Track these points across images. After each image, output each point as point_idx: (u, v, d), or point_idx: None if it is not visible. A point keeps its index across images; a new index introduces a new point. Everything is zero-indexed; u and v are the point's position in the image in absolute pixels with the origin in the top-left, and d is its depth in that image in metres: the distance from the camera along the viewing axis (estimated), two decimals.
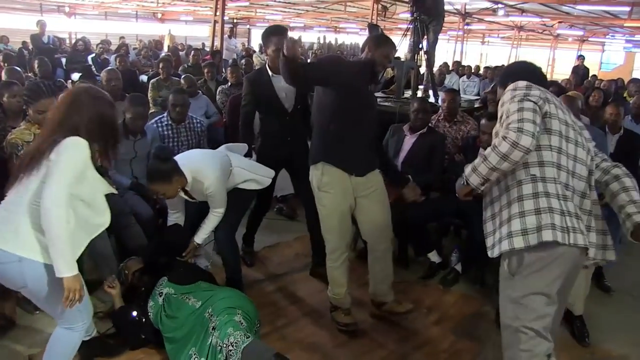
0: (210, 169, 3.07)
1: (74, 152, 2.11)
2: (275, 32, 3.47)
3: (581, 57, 13.41)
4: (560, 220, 1.97)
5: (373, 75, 3.01)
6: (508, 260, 2.10)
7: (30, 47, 10.83)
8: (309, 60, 12.23)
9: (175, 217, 3.32)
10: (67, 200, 2.05)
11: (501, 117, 2.09)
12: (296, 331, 3.14)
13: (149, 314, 2.86)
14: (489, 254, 2.13)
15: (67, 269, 2.05)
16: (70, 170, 2.08)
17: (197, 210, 3.31)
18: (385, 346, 3.05)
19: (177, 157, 3.09)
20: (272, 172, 3.50)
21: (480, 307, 3.52)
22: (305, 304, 3.46)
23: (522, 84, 2.12)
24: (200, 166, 3.06)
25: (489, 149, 2.02)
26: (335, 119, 2.90)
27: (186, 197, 3.18)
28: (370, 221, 3.12)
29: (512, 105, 2.03)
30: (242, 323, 2.56)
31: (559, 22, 17.86)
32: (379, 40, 3.01)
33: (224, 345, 2.45)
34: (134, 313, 2.88)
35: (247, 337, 2.47)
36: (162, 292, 2.90)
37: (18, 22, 16.99)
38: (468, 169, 2.13)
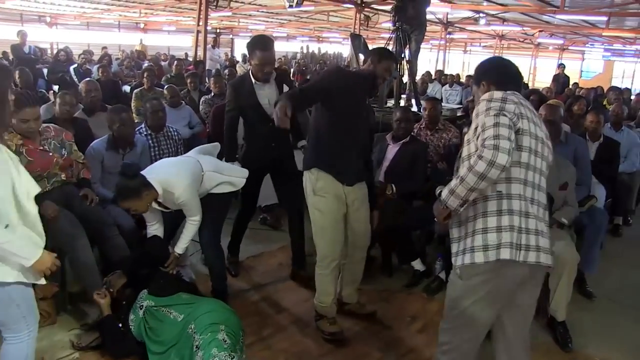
0: (180, 178, 3.04)
1: None
2: (260, 47, 3.44)
3: (562, 66, 13.63)
4: (518, 238, 2.02)
5: (373, 88, 3.09)
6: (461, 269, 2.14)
7: (11, 57, 10.72)
8: (292, 70, 12.27)
9: (154, 229, 3.27)
10: None
11: (476, 128, 2.09)
12: (281, 340, 3.12)
13: (131, 327, 2.84)
14: (453, 260, 2.17)
15: (30, 257, 2.03)
16: None
17: (173, 220, 3.31)
18: (370, 355, 3.04)
19: (145, 171, 3.06)
20: (245, 172, 3.47)
21: None
22: (290, 313, 3.44)
23: (497, 94, 2.11)
24: (169, 177, 3.03)
25: (464, 169, 1.98)
26: (333, 128, 2.96)
27: (160, 209, 3.16)
28: (353, 230, 3.17)
29: (487, 119, 2.01)
30: (225, 341, 2.50)
31: (540, 30, 18.18)
32: (382, 54, 3.09)
33: None
34: (120, 324, 2.86)
35: (231, 358, 2.44)
36: (142, 305, 2.87)
37: None
38: (445, 192, 2.07)
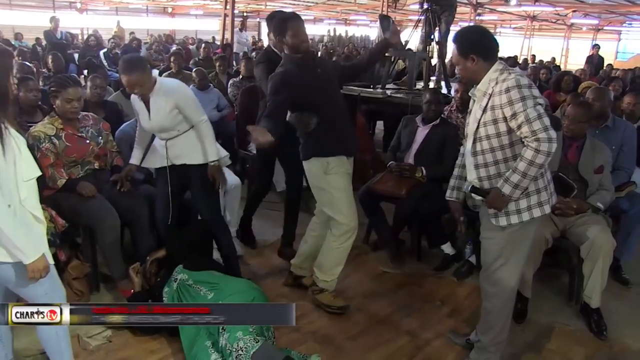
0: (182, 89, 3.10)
1: None
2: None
3: (596, 47, 13.25)
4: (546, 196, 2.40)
5: (309, 58, 3.03)
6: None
7: (44, 43, 10.89)
8: (319, 54, 12.18)
9: (136, 156, 3.29)
10: None
11: (514, 115, 2.21)
12: (309, 323, 3.12)
13: (164, 299, 2.90)
14: (494, 222, 2.40)
15: (29, 254, 2.01)
16: None
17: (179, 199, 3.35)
18: (398, 338, 3.03)
19: None
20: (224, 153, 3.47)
21: None
22: None
23: (524, 80, 2.25)
24: (173, 85, 3.09)
25: (523, 164, 2.21)
26: (316, 116, 3.01)
27: (151, 125, 3.12)
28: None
29: (530, 110, 2.18)
30: None
31: (573, 10, 17.63)
32: (279, 25, 3.02)
33: (233, 350, 2.42)
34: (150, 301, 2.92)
35: (256, 342, 2.43)
36: (177, 278, 2.94)
37: (32, 19, 17.11)
38: (508, 188, 2.27)
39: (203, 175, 3.17)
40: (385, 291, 3.54)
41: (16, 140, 2.01)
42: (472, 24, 18.08)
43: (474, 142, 2.41)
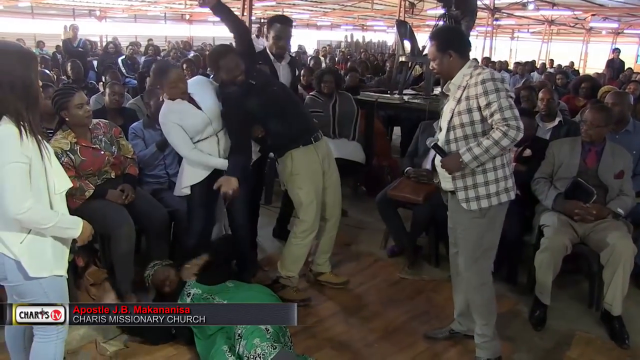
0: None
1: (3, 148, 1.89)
2: (279, 20, 3.69)
3: (617, 50, 13.12)
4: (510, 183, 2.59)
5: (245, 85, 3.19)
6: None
7: (64, 51, 11.06)
8: (336, 59, 12.17)
9: (220, 162, 3.27)
10: (30, 201, 1.91)
11: (488, 104, 2.40)
12: (326, 330, 3.12)
13: None
14: (465, 206, 2.56)
15: (77, 226, 2.11)
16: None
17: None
18: (415, 345, 3.01)
19: None
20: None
21: (512, 306, 3.44)
22: (334, 303, 3.43)
23: (497, 74, 2.47)
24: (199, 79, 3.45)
25: (489, 141, 2.39)
26: (274, 118, 3.24)
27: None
28: (328, 198, 3.43)
29: (503, 100, 2.38)
30: (268, 330, 2.50)
31: (592, 14, 17.46)
32: (212, 62, 3.32)
33: (251, 357, 2.42)
34: None
35: (273, 348, 2.42)
36: (189, 293, 2.93)
37: (53, 27, 17.34)
38: (469, 156, 2.43)
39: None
40: (403, 298, 3.52)
41: (47, 149, 2.04)
42: (489, 28, 18.02)
43: (448, 130, 2.56)
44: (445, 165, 2.54)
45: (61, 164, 3.03)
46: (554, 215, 3.29)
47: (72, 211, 3.01)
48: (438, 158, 2.61)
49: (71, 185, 2.21)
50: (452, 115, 2.52)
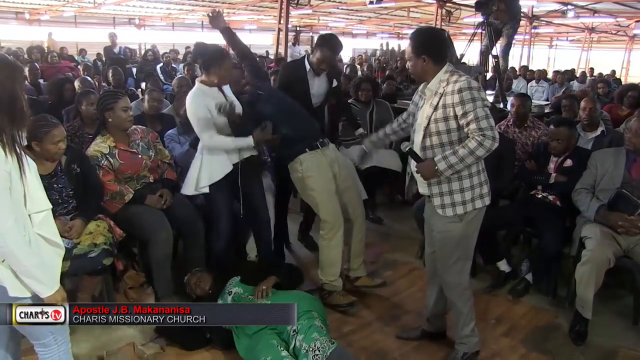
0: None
1: None
2: (329, 47, 3.67)
3: None
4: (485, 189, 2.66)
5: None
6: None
7: (104, 58, 11.33)
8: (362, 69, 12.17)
9: (244, 140, 3.27)
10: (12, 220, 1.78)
11: (465, 114, 2.40)
12: (362, 338, 3.11)
13: None
14: (441, 212, 2.59)
15: (49, 285, 1.92)
16: None
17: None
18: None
19: None
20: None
21: (552, 319, 3.37)
22: (371, 311, 3.42)
23: (474, 83, 2.46)
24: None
25: (465, 151, 2.40)
26: (284, 121, 3.31)
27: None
28: (347, 200, 3.45)
29: (479, 110, 2.39)
30: (322, 328, 2.63)
31: (636, 21, 17.00)
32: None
33: (310, 350, 2.51)
34: None
35: (332, 343, 2.53)
36: (231, 291, 2.97)
37: (95, 35, 17.85)
38: (444, 165, 2.44)
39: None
40: None
41: (28, 165, 1.89)
42: (527, 37, 17.76)
43: (424, 137, 2.56)
44: (420, 172, 2.55)
45: (102, 167, 3.13)
46: (596, 227, 3.20)
47: (112, 215, 3.12)
48: (413, 163, 2.61)
49: (49, 207, 1.99)
50: (429, 122, 2.52)
